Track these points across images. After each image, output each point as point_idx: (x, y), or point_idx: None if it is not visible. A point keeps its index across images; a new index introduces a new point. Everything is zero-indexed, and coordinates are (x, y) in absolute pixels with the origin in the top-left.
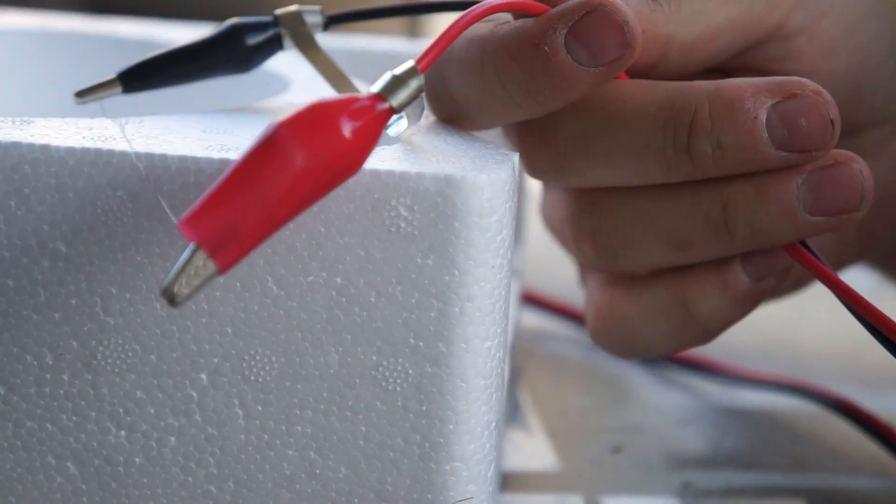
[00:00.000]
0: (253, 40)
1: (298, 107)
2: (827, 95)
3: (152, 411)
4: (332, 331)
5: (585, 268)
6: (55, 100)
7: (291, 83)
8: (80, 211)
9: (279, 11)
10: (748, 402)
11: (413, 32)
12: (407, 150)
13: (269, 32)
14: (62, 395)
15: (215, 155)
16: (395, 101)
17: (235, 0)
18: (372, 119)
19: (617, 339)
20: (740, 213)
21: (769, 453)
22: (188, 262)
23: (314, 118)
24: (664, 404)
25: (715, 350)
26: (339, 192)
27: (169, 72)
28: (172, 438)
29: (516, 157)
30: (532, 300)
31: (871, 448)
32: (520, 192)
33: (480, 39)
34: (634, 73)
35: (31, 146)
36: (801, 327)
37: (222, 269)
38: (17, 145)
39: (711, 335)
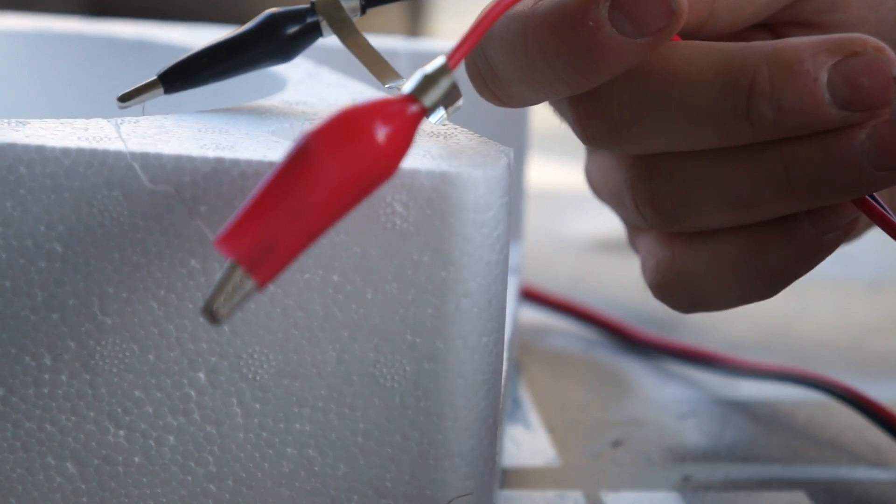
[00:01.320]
0: (291, 30)
1: (329, 115)
2: (889, 52)
3: (151, 410)
4: (330, 328)
5: (639, 227)
6: (52, 102)
7: (288, 81)
8: (77, 211)
9: None
10: (748, 394)
11: (413, 31)
12: None
13: (307, 21)
14: (61, 396)
15: (210, 154)
16: (428, 100)
17: (233, 1)
18: (405, 122)
19: (679, 294)
20: (803, 172)
21: (769, 445)
22: (226, 279)
23: (346, 126)
24: (663, 398)
25: (713, 342)
26: None
27: (209, 69)
28: (171, 437)
29: (511, 152)
30: (531, 296)
31: (871, 439)
32: (515, 188)
33: (521, 16)
34: (682, 33)
35: (26, 147)
36: (799, 319)
37: (261, 285)
38: (12, 146)
39: (776, 289)
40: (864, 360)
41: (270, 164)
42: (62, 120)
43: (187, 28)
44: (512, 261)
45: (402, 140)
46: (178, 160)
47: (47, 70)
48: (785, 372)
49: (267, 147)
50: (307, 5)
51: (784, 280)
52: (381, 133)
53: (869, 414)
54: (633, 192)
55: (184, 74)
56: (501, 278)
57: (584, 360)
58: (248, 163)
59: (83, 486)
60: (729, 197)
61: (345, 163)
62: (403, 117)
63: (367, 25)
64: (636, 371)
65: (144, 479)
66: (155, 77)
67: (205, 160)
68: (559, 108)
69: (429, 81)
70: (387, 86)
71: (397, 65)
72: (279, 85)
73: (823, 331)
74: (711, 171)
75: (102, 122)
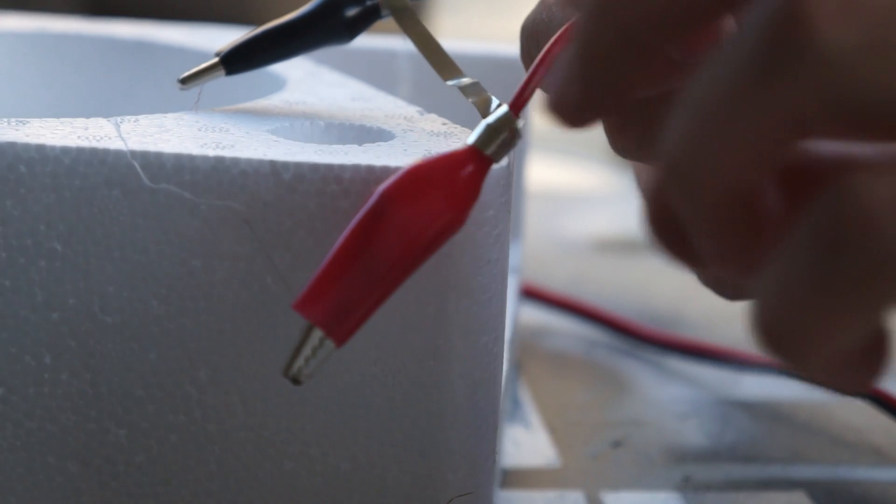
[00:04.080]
0: (351, 12)
1: (398, 173)
2: None
3: (152, 409)
4: None
5: None
6: (51, 102)
7: (287, 81)
8: (77, 210)
9: None
10: (748, 394)
11: None
12: (402, 145)
13: (367, 3)
14: (61, 395)
15: (210, 153)
16: (492, 150)
17: (233, 1)
18: (472, 174)
19: None
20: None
21: (769, 445)
22: (305, 341)
23: (415, 183)
24: (664, 398)
25: (717, 339)
26: (334, 189)
27: (269, 50)
28: (173, 436)
29: (511, 151)
30: (532, 295)
31: (871, 439)
32: (515, 188)
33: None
34: None
35: (26, 146)
36: None
37: (339, 344)
38: (12, 145)
39: None
40: None
41: (271, 162)
42: (62, 119)
43: (187, 28)
44: (512, 261)
45: (471, 192)
46: (179, 159)
47: (46, 70)
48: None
49: (267, 146)
50: None
51: None
52: (450, 187)
53: (879, 404)
54: None
55: (245, 56)
56: (502, 277)
57: (585, 361)
58: (249, 161)
59: (84, 486)
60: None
61: (415, 220)
62: (470, 169)
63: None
64: (636, 371)
65: (145, 479)
66: (216, 59)
67: (205, 159)
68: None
69: (493, 132)
70: (448, 83)
71: (397, 65)
72: (279, 84)
73: None
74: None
75: (102, 121)
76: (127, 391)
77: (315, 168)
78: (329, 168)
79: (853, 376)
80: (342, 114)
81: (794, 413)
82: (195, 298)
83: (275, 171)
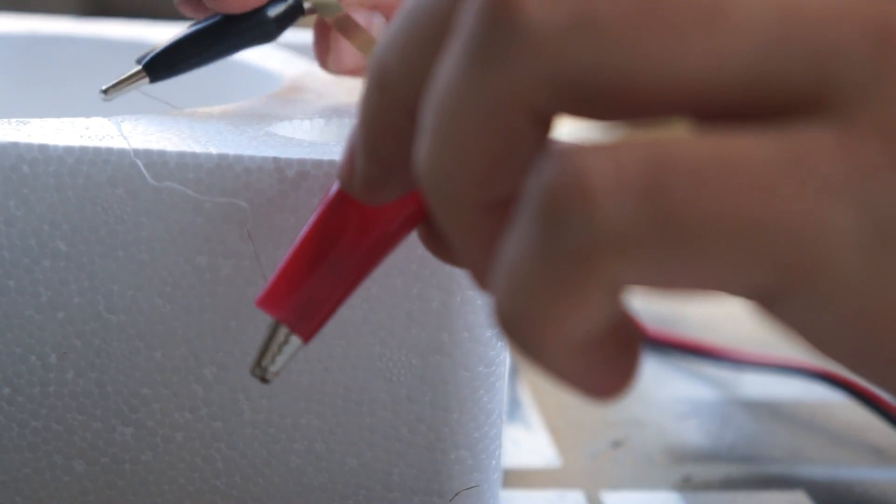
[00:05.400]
0: (274, 11)
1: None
2: None
3: (158, 408)
4: (336, 323)
5: None
6: (48, 102)
7: (284, 78)
8: (80, 210)
9: None
10: (748, 394)
11: None
12: None
13: (289, 1)
14: (67, 395)
15: (214, 150)
16: None
17: None
18: None
19: None
20: None
21: (769, 445)
22: (271, 338)
23: None
24: (664, 398)
25: (717, 339)
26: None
27: (193, 55)
28: (179, 434)
29: None
30: None
31: (871, 439)
32: None
33: None
34: None
35: (28, 146)
36: None
37: (306, 340)
38: (14, 145)
39: None
40: None
41: (274, 159)
42: (63, 119)
43: (179, 27)
44: None
45: None
46: (182, 157)
47: (39, 71)
48: (790, 365)
49: (269, 143)
50: None
51: None
52: None
53: (875, 409)
54: None
55: (168, 62)
56: None
57: None
58: (252, 159)
59: (90, 485)
60: None
61: (378, 211)
62: None
63: None
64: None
65: (152, 477)
66: (139, 67)
67: (208, 157)
68: None
69: None
70: None
71: None
72: (276, 81)
73: None
74: None
75: (103, 120)
76: (133, 390)
77: (318, 165)
78: (332, 164)
79: (602, 376)
80: (341, 109)
81: (794, 413)
82: (200, 296)
83: (278, 168)
